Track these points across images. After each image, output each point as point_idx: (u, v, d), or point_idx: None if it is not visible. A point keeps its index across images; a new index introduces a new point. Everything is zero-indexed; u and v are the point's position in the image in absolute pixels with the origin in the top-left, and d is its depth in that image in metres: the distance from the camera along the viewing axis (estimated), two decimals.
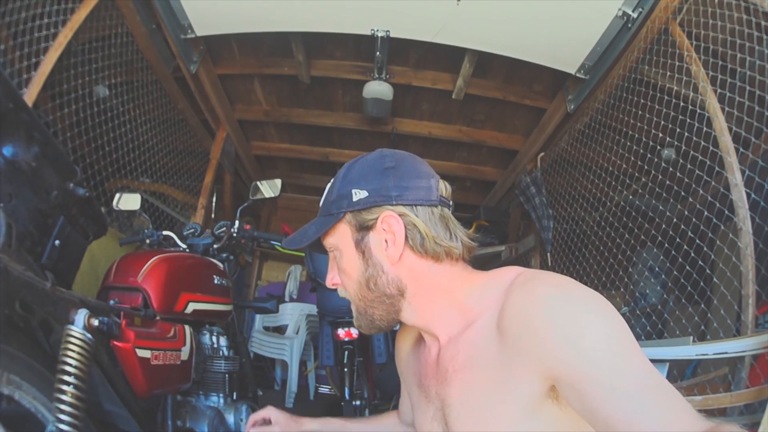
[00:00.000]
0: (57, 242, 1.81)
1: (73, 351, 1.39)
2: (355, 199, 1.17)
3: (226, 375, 2.55)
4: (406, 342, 1.44)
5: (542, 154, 4.97)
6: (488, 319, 1.09)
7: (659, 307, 3.97)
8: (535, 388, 0.97)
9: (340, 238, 1.22)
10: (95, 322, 1.52)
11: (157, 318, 2.12)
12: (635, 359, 0.89)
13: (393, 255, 1.16)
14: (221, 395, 2.51)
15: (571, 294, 0.98)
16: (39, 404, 1.39)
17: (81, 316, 1.49)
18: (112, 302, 2.00)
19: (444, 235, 1.17)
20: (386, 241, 1.16)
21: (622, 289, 3.81)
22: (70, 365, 1.37)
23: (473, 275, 1.21)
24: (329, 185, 1.28)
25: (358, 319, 1.25)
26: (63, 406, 1.31)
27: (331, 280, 1.28)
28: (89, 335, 1.46)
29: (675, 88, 3.08)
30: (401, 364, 1.46)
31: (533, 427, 0.99)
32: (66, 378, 1.35)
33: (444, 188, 1.22)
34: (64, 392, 1.33)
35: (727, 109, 2.67)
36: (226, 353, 2.65)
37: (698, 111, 2.87)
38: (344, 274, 1.23)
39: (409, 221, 1.15)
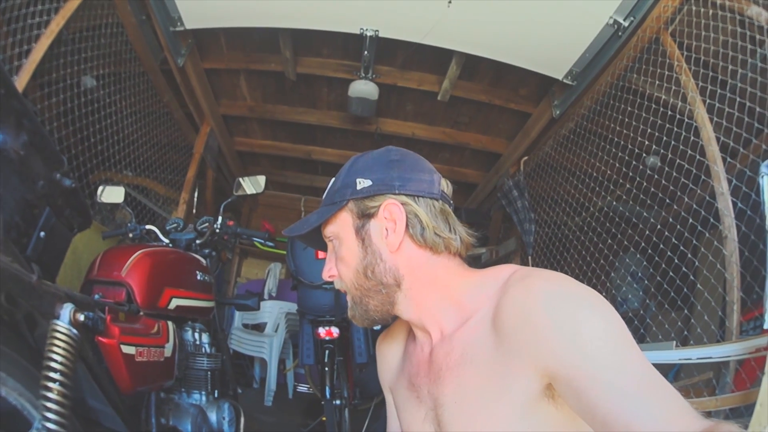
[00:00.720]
0: (42, 234, 1.77)
1: (58, 347, 1.36)
2: (358, 187, 1.19)
3: (209, 372, 2.53)
4: (391, 349, 1.42)
5: (525, 158, 4.99)
6: (483, 316, 1.08)
7: (641, 311, 4.00)
8: (531, 386, 0.97)
9: (341, 226, 1.22)
10: (81, 317, 1.48)
11: (141, 313, 2.09)
12: (633, 356, 0.89)
13: (393, 243, 1.16)
14: (203, 393, 2.49)
15: (569, 290, 0.98)
16: (24, 400, 1.35)
17: (67, 310, 1.45)
18: (96, 296, 1.98)
19: (444, 227, 1.18)
20: (387, 229, 1.17)
21: (604, 294, 3.83)
22: (56, 361, 1.33)
23: (469, 272, 1.21)
24: (333, 179, 1.28)
25: (353, 309, 1.24)
26: (49, 404, 1.27)
27: (328, 272, 1.27)
28: (75, 330, 1.42)
29: (663, 97, 3.11)
30: (387, 374, 1.42)
31: (529, 427, 0.99)
32: (52, 375, 1.31)
33: (446, 186, 1.25)
34: (50, 389, 1.29)
35: (715, 119, 2.70)
36: (208, 350, 2.62)
37: (686, 120, 2.90)
38: (342, 262, 1.23)
39: (411, 210, 1.16)
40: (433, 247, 1.17)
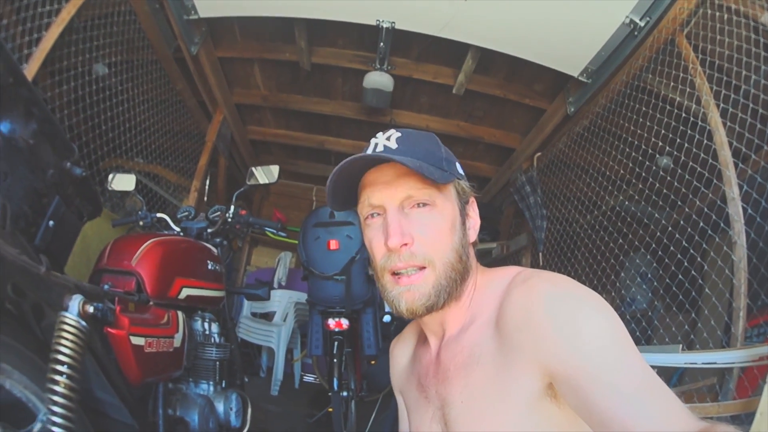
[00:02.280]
0: (51, 223, 1.78)
1: (67, 339, 1.36)
2: (461, 172, 1.19)
3: (217, 362, 2.54)
4: (402, 352, 1.42)
5: (539, 154, 4.97)
6: (488, 317, 1.10)
7: (649, 312, 3.98)
8: (533, 385, 0.98)
9: (447, 197, 1.14)
10: (90, 309, 1.48)
11: (151, 303, 2.09)
12: (632, 358, 0.90)
13: (473, 236, 1.20)
14: (211, 383, 2.50)
15: (570, 291, 0.99)
16: (30, 393, 1.36)
17: (75, 302, 1.45)
18: (106, 286, 1.97)
19: None
20: (470, 221, 1.20)
21: (613, 294, 3.83)
22: (64, 354, 1.34)
23: (480, 270, 1.22)
24: (407, 137, 1.17)
25: (434, 296, 1.10)
26: (56, 397, 1.28)
27: (405, 237, 1.09)
28: (84, 322, 1.43)
29: (677, 98, 3.09)
30: (397, 377, 1.42)
31: (533, 426, 1.00)
32: (59, 367, 1.31)
33: None
34: (57, 382, 1.30)
35: (729, 123, 2.68)
36: (217, 340, 2.63)
37: (699, 123, 2.88)
38: (438, 233, 1.11)
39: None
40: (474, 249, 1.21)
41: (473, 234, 1.18)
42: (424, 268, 1.10)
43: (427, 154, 1.14)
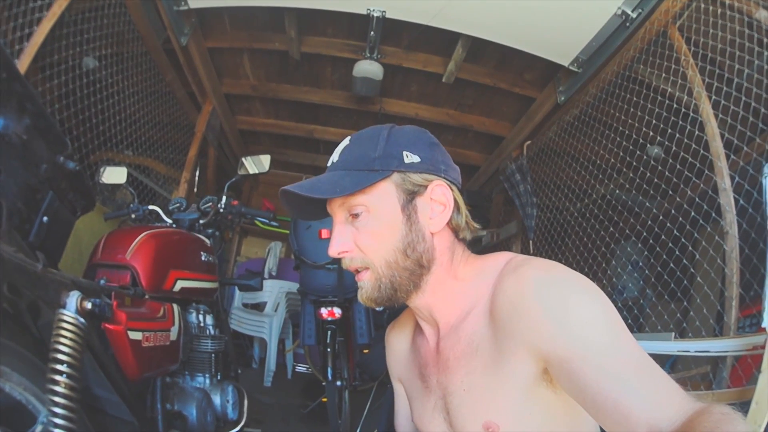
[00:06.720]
0: (45, 219, 1.75)
1: (65, 337, 1.34)
2: (407, 161, 1.13)
3: (213, 355, 2.53)
4: (399, 341, 1.43)
5: (529, 142, 4.98)
6: (483, 307, 1.11)
7: (640, 300, 4.01)
8: (529, 370, 1.00)
9: (380, 197, 1.13)
10: (88, 305, 1.46)
11: (146, 297, 2.08)
12: (622, 339, 0.92)
13: (437, 224, 1.15)
14: (207, 375, 2.49)
15: (558, 276, 1.01)
16: (30, 395, 1.33)
17: (73, 299, 1.42)
18: (101, 281, 1.95)
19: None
20: (433, 209, 1.15)
21: (604, 282, 3.85)
22: (63, 352, 1.31)
23: (472, 258, 1.22)
24: (350, 144, 1.20)
25: (375, 291, 1.16)
26: (56, 398, 1.26)
27: (341, 246, 1.16)
28: (82, 319, 1.41)
29: (669, 89, 3.11)
30: (396, 365, 1.43)
31: (532, 411, 1.02)
32: (59, 367, 1.29)
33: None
34: (57, 382, 1.27)
35: (720, 115, 2.69)
36: (212, 332, 2.61)
37: (691, 114, 2.90)
38: (374, 236, 1.14)
39: (455, 196, 1.17)
40: (457, 234, 1.20)
41: (441, 220, 1.15)
42: (368, 268, 1.16)
43: (357, 161, 1.15)
